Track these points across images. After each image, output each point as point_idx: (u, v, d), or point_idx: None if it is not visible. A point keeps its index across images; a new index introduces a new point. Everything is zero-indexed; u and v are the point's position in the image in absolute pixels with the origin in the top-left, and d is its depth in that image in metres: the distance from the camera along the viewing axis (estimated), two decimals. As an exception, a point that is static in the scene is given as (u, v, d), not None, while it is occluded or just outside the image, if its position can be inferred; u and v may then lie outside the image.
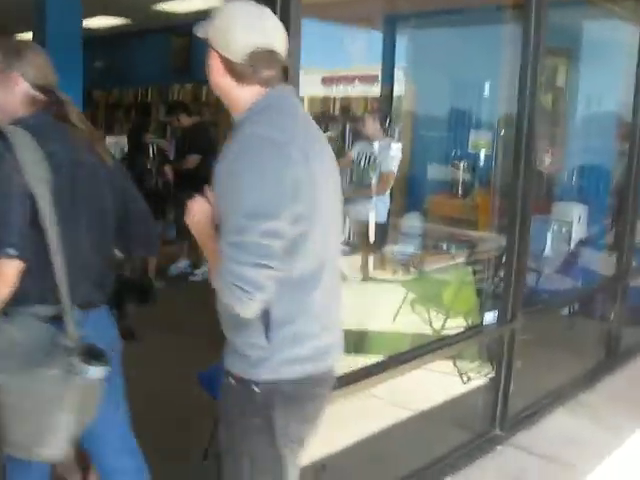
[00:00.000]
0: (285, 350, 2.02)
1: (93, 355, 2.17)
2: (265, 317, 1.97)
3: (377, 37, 8.61)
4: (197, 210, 2.03)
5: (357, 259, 7.15)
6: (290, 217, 1.88)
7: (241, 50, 1.94)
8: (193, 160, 7.48)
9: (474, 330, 4.35)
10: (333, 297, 2.19)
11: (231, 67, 1.97)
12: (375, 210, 6.67)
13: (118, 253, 2.63)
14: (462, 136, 8.25)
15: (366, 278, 6.98)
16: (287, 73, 2.18)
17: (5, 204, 2.08)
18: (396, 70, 8.65)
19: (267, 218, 1.83)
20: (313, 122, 2.14)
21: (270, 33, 1.97)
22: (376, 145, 6.63)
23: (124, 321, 2.62)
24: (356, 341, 5.22)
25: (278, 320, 1.99)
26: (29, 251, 2.09)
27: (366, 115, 6.84)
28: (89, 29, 9.83)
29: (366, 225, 6.87)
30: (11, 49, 2.30)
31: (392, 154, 6.70)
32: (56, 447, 2.17)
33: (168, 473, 3.29)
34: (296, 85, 2.62)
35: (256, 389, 2.02)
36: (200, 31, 2.00)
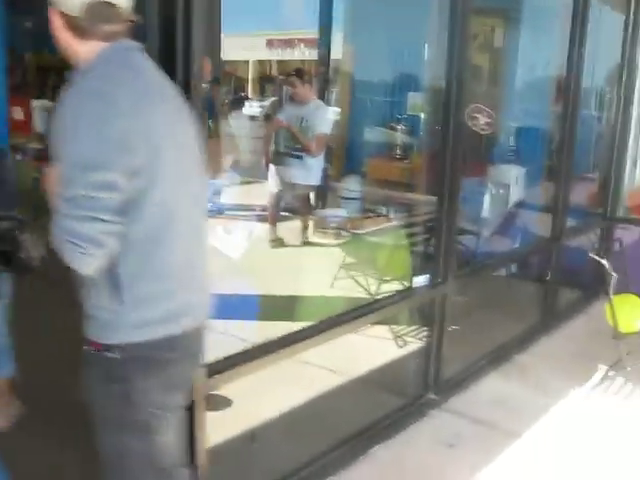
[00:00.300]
0: (137, 311, 1.97)
1: None
2: (112, 277, 1.92)
3: (317, -1, 8.51)
4: (55, 176, 1.93)
5: (296, 223, 7.12)
6: (126, 170, 1.83)
7: (78, 4, 1.90)
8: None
9: (404, 293, 4.29)
10: (194, 255, 2.13)
11: (70, 22, 1.94)
12: (310, 173, 6.60)
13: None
14: (401, 98, 8.19)
15: (304, 242, 6.94)
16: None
17: None
18: (334, 32, 8.54)
19: (96, 169, 1.80)
20: (162, 77, 2.09)
21: None
22: (308, 108, 6.54)
23: None
24: (292, 306, 5.17)
25: (126, 280, 1.93)
26: None
27: (294, 78, 6.68)
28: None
29: (302, 188, 6.81)
30: None
31: (325, 116, 6.62)
32: None
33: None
34: (218, 45, 2.51)
35: (111, 354, 1.97)
36: None
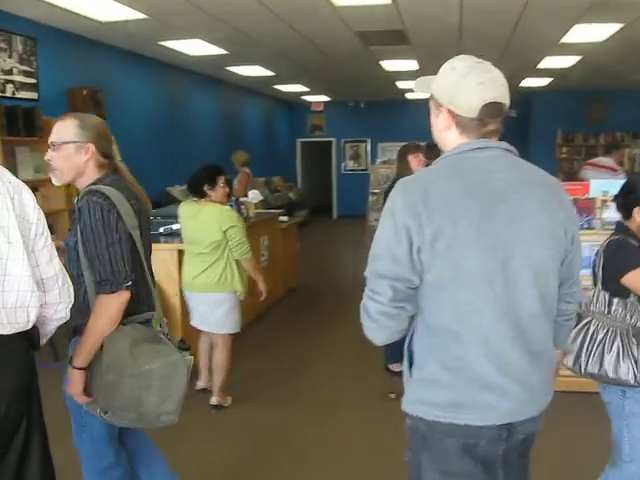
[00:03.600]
0: (417, 390, 2.07)
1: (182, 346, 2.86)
2: (409, 352, 2.10)
3: None
4: None
5: None
6: (407, 260, 1.94)
7: (475, 108, 1.97)
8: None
9: None
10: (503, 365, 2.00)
11: (460, 122, 2.02)
12: None
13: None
14: None
15: None
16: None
17: (120, 246, 2.70)
18: None
19: (374, 260, 2.00)
20: (502, 182, 2.00)
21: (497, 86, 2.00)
22: None
23: None
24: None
25: (417, 359, 2.07)
26: (134, 279, 2.75)
27: None
28: None
29: None
30: (87, 124, 2.88)
31: None
32: (173, 413, 2.81)
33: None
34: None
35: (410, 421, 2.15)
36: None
